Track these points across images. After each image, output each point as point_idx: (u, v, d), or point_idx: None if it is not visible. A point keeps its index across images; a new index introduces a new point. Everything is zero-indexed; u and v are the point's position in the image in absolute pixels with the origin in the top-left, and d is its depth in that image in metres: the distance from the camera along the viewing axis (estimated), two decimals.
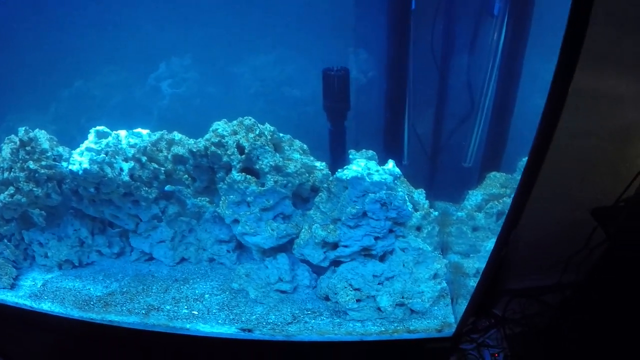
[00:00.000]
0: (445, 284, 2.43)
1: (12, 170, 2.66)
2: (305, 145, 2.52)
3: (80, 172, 2.35)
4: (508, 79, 2.76)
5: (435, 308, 2.46)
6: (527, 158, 1.55)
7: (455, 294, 2.43)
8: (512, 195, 1.74)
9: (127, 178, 2.43)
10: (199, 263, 2.74)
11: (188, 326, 2.45)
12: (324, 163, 2.46)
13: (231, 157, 2.33)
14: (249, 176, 2.34)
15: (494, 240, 2.03)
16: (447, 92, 2.78)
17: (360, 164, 2.32)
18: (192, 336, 2.45)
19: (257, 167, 2.33)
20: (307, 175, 2.41)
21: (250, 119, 2.39)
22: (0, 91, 3.15)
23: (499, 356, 2.72)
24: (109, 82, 3.00)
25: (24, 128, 2.70)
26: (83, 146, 2.47)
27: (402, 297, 2.36)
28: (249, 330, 2.40)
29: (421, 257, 2.43)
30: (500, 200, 2.60)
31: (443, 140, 2.89)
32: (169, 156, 2.55)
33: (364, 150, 2.52)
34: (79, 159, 2.40)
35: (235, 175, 2.32)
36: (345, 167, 2.31)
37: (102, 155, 2.40)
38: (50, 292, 2.82)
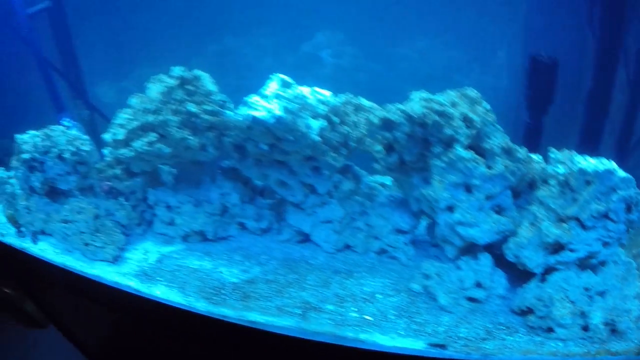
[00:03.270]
0: None
1: (160, 112, 1.62)
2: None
3: (272, 120, 1.41)
4: None
5: (634, 330, 1.69)
6: None
7: None
8: None
9: (317, 137, 1.47)
10: (366, 253, 1.79)
11: (362, 336, 1.56)
12: (540, 156, 1.60)
13: (457, 130, 1.44)
14: (477, 155, 1.43)
15: None
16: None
17: (590, 160, 1.48)
18: (368, 351, 1.56)
19: (487, 146, 1.47)
20: (529, 165, 1.53)
21: (473, 91, 1.51)
22: (141, 41, 2.19)
23: None
24: (260, 43, 2.07)
25: (180, 67, 1.70)
26: (268, 92, 1.48)
27: (611, 315, 1.63)
28: (442, 347, 1.56)
29: (627, 272, 1.68)
30: None
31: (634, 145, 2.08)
32: (362, 122, 1.60)
33: (565, 149, 1.67)
34: (267, 105, 1.42)
35: (462, 151, 1.45)
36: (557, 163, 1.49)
37: (295, 105, 1.43)
38: (167, 271, 1.91)
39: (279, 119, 1.55)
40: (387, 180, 1.97)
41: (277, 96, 1.62)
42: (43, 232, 2.36)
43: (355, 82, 2.23)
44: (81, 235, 2.05)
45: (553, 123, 2.10)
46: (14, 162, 2.37)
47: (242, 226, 1.99)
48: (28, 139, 2.23)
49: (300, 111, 1.62)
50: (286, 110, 1.57)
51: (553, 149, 1.83)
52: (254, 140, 1.69)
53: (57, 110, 2.54)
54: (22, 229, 2.42)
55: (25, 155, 2.19)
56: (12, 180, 2.48)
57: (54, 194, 2.33)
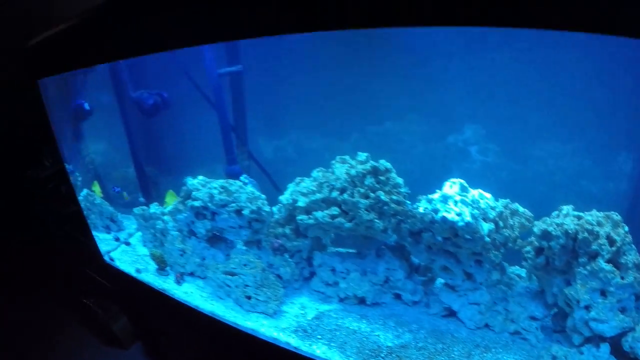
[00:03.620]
0: None
1: (348, 193, 2.28)
2: None
3: (461, 223, 2.11)
4: None
5: None
6: None
7: None
8: None
9: (488, 239, 2.13)
10: (501, 333, 2.42)
11: None
12: None
13: (602, 246, 2.11)
14: (614, 268, 2.10)
15: None
16: None
17: None
18: None
19: (623, 261, 2.14)
20: None
21: (617, 215, 2.19)
22: (302, 108, 2.85)
23: None
24: (414, 130, 2.73)
25: (366, 154, 2.36)
26: (455, 197, 2.16)
27: None
28: None
29: None
30: None
31: None
32: (516, 225, 2.26)
33: None
34: (455, 209, 2.10)
35: (604, 264, 2.12)
36: None
37: (478, 211, 2.10)
38: (326, 329, 2.47)
39: (467, 224, 2.20)
40: (522, 272, 2.63)
41: (464, 202, 2.28)
42: (192, 274, 2.95)
43: (499, 180, 2.87)
44: (245, 288, 2.64)
45: None
46: (177, 204, 2.98)
47: (396, 296, 2.63)
48: (201, 187, 2.84)
49: (479, 216, 2.27)
50: (473, 216, 2.22)
51: None
52: (433, 232, 2.34)
53: (228, 162, 3.20)
54: (168, 268, 3.00)
55: (197, 203, 2.80)
56: (166, 218, 3.09)
57: (214, 239, 2.94)
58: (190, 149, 3.48)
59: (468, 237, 2.27)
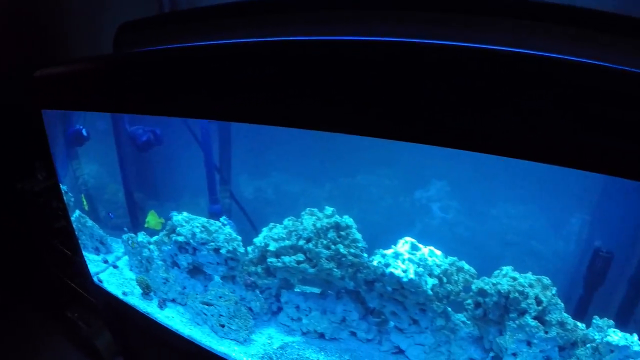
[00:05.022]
0: None
1: (312, 242, 2.96)
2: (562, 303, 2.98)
3: (405, 279, 2.78)
4: None
5: None
6: None
7: None
8: None
9: (430, 292, 2.82)
10: None
11: None
12: (584, 325, 2.94)
13: (530, 305, 2.78)
14: (539, 324, 2.78)
15: None
16: None
17: (618, 334, 2.82)
18: None
19: (547, 318, 2.80)
20: (575, 332, 2.87)
21: (547, 279, 2.87)
22: (280, 154, 3.51)
23: None
24: (383, 184, 3.39)
25: (332, 209, 3.03)
26: (404, 255, 2.83)
27: None
28: None
29: None
30: None
31: None
32: (460, 280, 2.95)
33: (605, 318, 3.01)
34: (402, 266, 2.78)
35: (530, 320, 2.78)
36: (597, 328, 2.89)
37: (421, 268, 2.78)
38: (289, 358, 3.08)
39: (410, 280, 2.87)
40: (469, 321, 3.32)
41: (410, 260, 2.95)
42: (174, 301, 3.65)
43: (455, 236, 3.52)
44: (219, 317, 3.34)
45: (601, 298, 3.43)
46: (163, 237, 3.68)
47: (352, 333, 3.32)
48: (184, 223, 3.53)
49: (424, 272, 2.95)
50: (416, 273, 2.90)
51: (596, 317, 3.17)
52: (383, 283, 3.02)
53: (211, 202, 3.90)
54: (152, 294, 3.70)
55: (180, 238, 3.47)
56: (152, 247, 3.78)
57: (194, 271, 3.63)
58: (177, 181, 4.18)
59: (412, 290, 2.95)
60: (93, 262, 4.01)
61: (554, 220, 3.56)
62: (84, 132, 3.93)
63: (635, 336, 2.92)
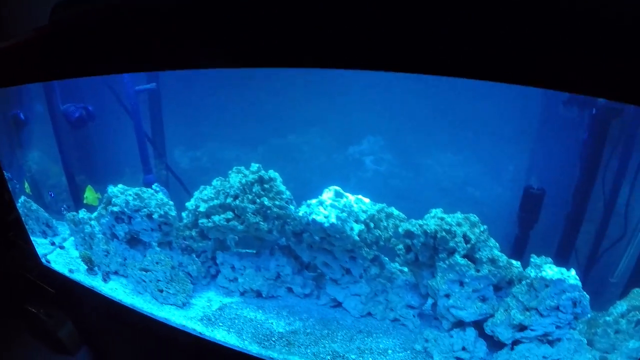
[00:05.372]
0: None
1: (239, 199, 2.93)
2: (497, 244, 2.94)
3: (327, 224, 2.74)
4: None
5: None
6: None
7: None
8: None
9: (356, 237, 2.78)
10: (383, 320, 3.08)
11: None
12: (519, 262, 2.90)
13: (458, 244, 2.74)
14: (470, 262, 2.73)
15: (632, 341, 2.70)
16: (610, 218, 3.32)
17: (554, 269, 2.76)
18: None
19: (477, 256, 2.76)
20: (509, 269, 2.83)
21: (475, 217, 2.82)
22: (216, 122, 3.50)
23: None
24: (316, 143, 3.38)
25: (257, 165, 3.00)
26: (327, 202, 2.80)
27: None
28: None
29: (579, 347, 2.88)
30: None
31: (597, 257, 3.41)
32: (390, 226, 2.91)
33: (543, 256, 2.96)
34: (324, 212, 2.74)
35: (459, 259, 2.74)
36: (535, 267, 2.82)
37: (345, 214, 2.75)
38: (227, 318, 3.07)
39: (332, 225, 2.84)
40: (405, 268, 3.28)
41: (333, 205, 2.92)
42: (116, 273, 3.63)
43: (389, 187, 3.50)
44: (157, 283, 3.32)
45: (540, 237, 3.40)
46: (101, 210, 3.66)
47: (290, 290, 3.27)
48: (119, 194, 3.51)
49: (347, 218, 2.92)
50: (338, 218, 2.86)
51: (534, 256, 3.13)
52: (310, 232, 2.99)
53: (145, 172, 3.89)
54: (95, 268, 3.68)
55: (115, 208, 3.46)
56: (93, 222, 3.76)
57: (133, 241, 3.61)
58: (116, 159, 4.18)
59: (337, 236, 2.92)
60: (41, 245, 4.00)
61: (490, 167, 3.54)
62: (21, 116, 3.92)
63: (573, 271, 2.86)
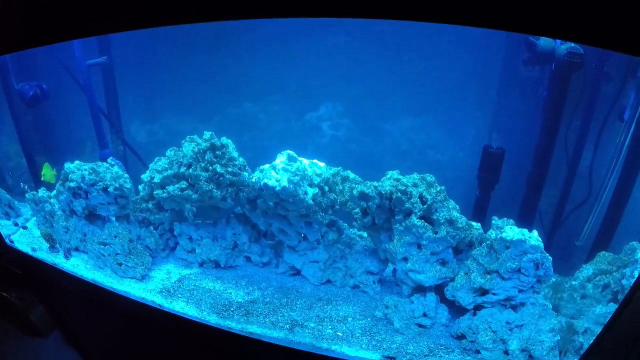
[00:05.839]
0: (559, 337, 2.78)
1: (192, 167, 2.87)
2: (457, 206, 2.87)
3: (278, 188, 2.68)
4: (628, 176, 3.27)
5: (547, 357, 2.74)
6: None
7: (563, 348, 2.80)
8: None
9: (310, 201, 2.72)
10: (343, 287, 3.03)
11: (334, 347, 2.69)
12: (479, 224, 2.83)
13: (414, 204, 2.68)
14: (427, 224, 2.66)
15: (599, 306, 2.64)
16: (573, 179, 3.27)
17: (515, 230, 2.69)
18: (337, 359, 2.67)
19: (435, 217, 2.69)
20: (469, 231, 2.76)
21: (431, 177, 2.76)
22: (171, 94, 3.44)
23: None
24: (272, 110, 3.32)
25: (210, 133, 2.94)
26: (279, 166, 2.73)
27: (527, 344, 2.70)
28: (392, 359, 2.68)
29: (544, 312, 2.81)
30: (607, 275, 3.04)
31: (562, 220, 3.35)
32: (346, 190, 2.85)
33: (505, 218, 2.89)
34: (276, 176, 2.67)
35: (416, 220, 2.68)
36: (497, 229, 2.76)
37: (297, 177, 2.68)
38: (186, 290, 3.02)
39: (284, 188, 2.78)
40: (364, 233, 3.22)
41: (284, 169, 2.85)
42: (77, 249, 3.57)
43: (348, 152, 3.45)
44: (116, 256, 3.26)
45: (499, 197, 3.34)
46: (59, 187, 3.59)
47: (248, 259, 3.22)
48: (76, 170, 3.44)
49: (300, 181, 2.85)
50: (290, 181, 2.80)
51: (495, 217, 3.06)
52: (264, 198, 2.93)
53: (101, 147, 3.83)
54: (57, 245, 3.62)
55: (72, 184, 3.39)
56: (53, 200, 3.70)
57: (92, 217, 3.55)
58: (76, 135, 4.12)
59: (291, 200, 2.86)
60: (5, 227, 3.93)
61: (451, 130, 3.49)
62: None
63: (535, 232, 2.79)
